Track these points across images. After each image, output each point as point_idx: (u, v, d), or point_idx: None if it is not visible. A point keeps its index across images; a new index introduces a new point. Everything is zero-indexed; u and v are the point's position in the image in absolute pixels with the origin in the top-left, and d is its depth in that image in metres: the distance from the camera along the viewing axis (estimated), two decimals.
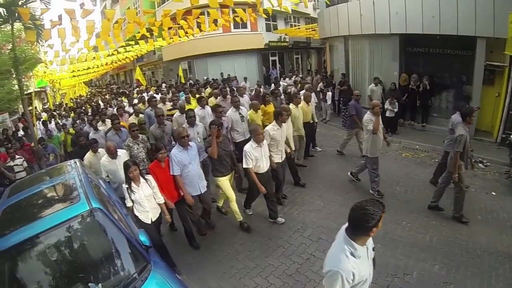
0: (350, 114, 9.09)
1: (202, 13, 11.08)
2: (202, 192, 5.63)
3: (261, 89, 12.02)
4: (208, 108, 8.26)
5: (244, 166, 5.60)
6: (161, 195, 4.99)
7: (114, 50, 16.78)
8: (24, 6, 8.42)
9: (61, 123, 12.22)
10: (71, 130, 10.27)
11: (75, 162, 5.29)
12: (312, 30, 23.12)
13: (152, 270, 3.45)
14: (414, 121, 11.94)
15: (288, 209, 6.72)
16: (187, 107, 8.73)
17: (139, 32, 11.35)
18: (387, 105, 10.46)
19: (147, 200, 4.77)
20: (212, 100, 9.94)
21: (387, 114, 10.47)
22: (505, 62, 9.26)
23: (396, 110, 10.43)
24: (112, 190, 5.66)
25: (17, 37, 10.60)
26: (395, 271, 4.69)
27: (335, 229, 4.93)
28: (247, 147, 5.57)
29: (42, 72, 19.15)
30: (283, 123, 6.43)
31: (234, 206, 5.93)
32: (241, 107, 7.81)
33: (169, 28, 11.87)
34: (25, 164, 7.95)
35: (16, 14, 8.40)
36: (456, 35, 9.78)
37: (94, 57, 15.57)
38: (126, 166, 4.67)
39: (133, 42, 15.83)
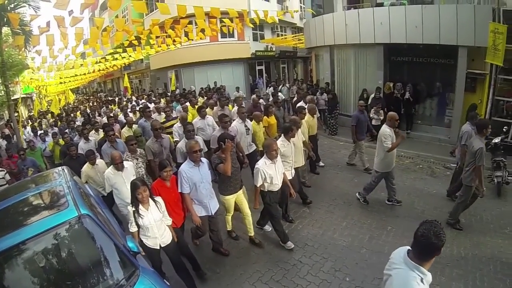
0: (351, 125, 8.70)
1: (190, 23, 11.12)
2: (213, 213, 5.08)
3: (260, 99, 11.48)
4: (208, 119, 7.95)
5: (255, 183, 5.14)
6: (169, 216, 4.45)
7: (101, 58, 16.69)
8: (13, 11, 8.35)
9: (49, 132, 11.20)
10: (61, 141, 9.28)
11: (63, 169, 5.19)
12: (298, 40, 23.39)
13: (140, 276, 3.44)
14: (398, 128, 12.03)
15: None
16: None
17: (127, 40, 11.32)
18: (372, 114, 10.62)
19: (156, 226, 4.17)
20: (208, 111, 9.23)
21: (373, 122, 10.63)
22: (486, 70, 9.58)
23: (381, 118, 10.60)
24: (99, 197, 5.62)
25: (4, 41, 10.43)
26: (381, 275, 4.69)
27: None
28: (260, 165, 5.09)
29: (28, 78, 18.88)
30: (292, 138, 6.03)
31: (228, 218, 5.68)
32: (247, 119, 7.46)
33: (157, 37, 11.91)
34: (8, 177, 7.33)
35: (5, 19, 8.32)
36: (439, 44, 10.08)
37: (81, 64, 15.47)
38: (134, 186, 4.04)
39: (121, 50, 15.79)
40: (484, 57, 9.02)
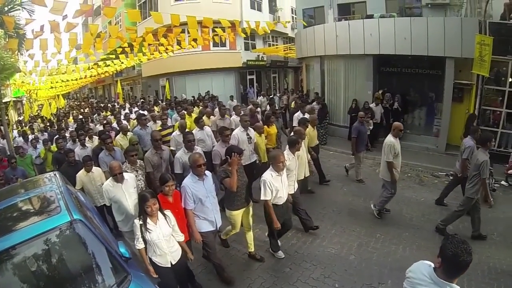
0: (352, 137, 8.58)
1: (182, 31, 11.20)
2: (219, 227, 4.81)
3: (258, 109, 10.97)
4: (207, 130, 7.69)
5: (262, 198, 4.84)
6: (180, 232, 4.14)
7: (94, 64, 16.64)
8: (7, 14, 8.32)
9: (40, 138, 10.64)
10: (53, 147, 8.77)
11: (55, 174, 5.13)
12: (289, 50, 23.59)
13: (132, 281, 3.42)
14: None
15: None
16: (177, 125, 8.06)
17: (120, 46, 11.31)
18: None
19: (165, 241, 3.86)
20: (206, 120, 8.88)
21: None
22: (473, 80, 9.88)
23: (371, 128, 10.69)
24: (90, 203, 5.54)
25: None
26: (370, 281, 4.80)
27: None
28: (266, 177, 4.82)
29: (20, 82, 18.69)
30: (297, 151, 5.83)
31: (229, 231, 5.39)
32: (249, 128, 7.20)
33: (149, 45, 11.96)
34: None
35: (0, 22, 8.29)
36: (427, 56, 10.37)
37: (74, 70, 15.41)
38: (143, 198, 3.76)
39: (113, 56, 15.77)
40: (470, 68, 9.29)
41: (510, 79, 9.33)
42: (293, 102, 14.29)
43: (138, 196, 3.96)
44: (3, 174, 7.32)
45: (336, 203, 7.47)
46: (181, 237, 4.12)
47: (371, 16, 12.46)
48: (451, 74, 10.20)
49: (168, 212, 3.96)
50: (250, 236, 5.35)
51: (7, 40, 9.83)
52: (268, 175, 4.83)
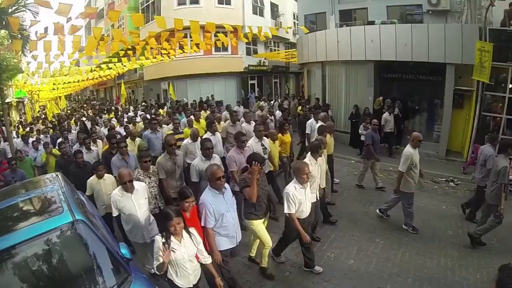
0: (366, 144, 8.42)
1: (185, 36, 11.27)
2: (237, 243, 4.40)
3: (267, 115, 10.45)
4: (218, 135, 7.42)
5: (286, 211, 4.59)
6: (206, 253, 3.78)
7: (96, 67, 16.68)
8: (13, 15, 8.37)
9: (42, 140, 10.28)
10: (55, 151, 8.39)
11: (57, 175, 5.09)
12: (291, 55, 23.67)
13: (133, 282, 3.42)
14: (388, 144, 12.19)
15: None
16: (187, 131, 7.88)
17: (123, 49, 11.35)
18: (361, 130, 10.74)
19: (189, 261, 3.51)
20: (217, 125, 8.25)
21: (362, 138, 10.76)
22: (473, 86, 9.93)
23: None
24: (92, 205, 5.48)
25: (0, 44, 10.36)
26: (369, 285, 4.80)
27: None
28: (290, 189, 4.56)
29: (22, 83, 18.69)
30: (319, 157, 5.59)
31: (266, 252, 4.99)
32: (264, 137, 6.78)
33: (152, 48, 12.01)
34: None
35: (4, 22, 8.31)
36: (427, 62, 10.44)
37: (76, 72, 15.44)
38: (167, 216, 3.36)
39: (116, 59, 15.82)
40: (471, 74, 9.35)
41: (510, 85, 9.36)
42: (298, 108, 14.29)
43: (164, 215, 3.47)
44: (4, 177, 7.22)
45: (336, 207, 7.45)
46: (209, 259, 3.76)
47: (372, 23, 12.56)
48: (451, 80, 10.26)
49: (193, 230, 3.62)
50: (256, 242, 5.24)
51: (11, 41, 9.88)
52: (292, 188, 4.58)
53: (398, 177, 6.22)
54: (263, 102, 16.96)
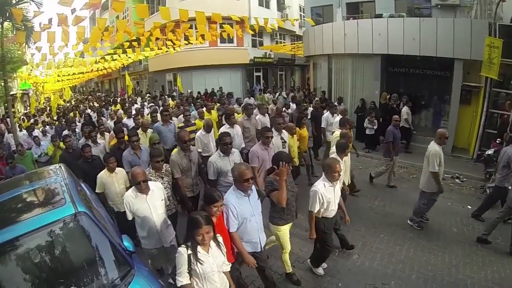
0: (386, 141, 8.06)
1: (190, 27, 11.18)
2: (262, 247, 4.01)
3: (283, 108, 10.18)
4: (237, 128, 7.02)
5: (311, 209, 4.35)
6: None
7: (101, 58, 16.66)
8: (16, 7, 8.34)
9: (48, 132, 10.25)
10: (61, 144, 7.88)
11: (60, 167, 5.07)
12: (297, 47, 23.52)
13: (135, 275, 3.41)
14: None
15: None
16: (199, 123, 7.63)
17: (127, 41, 11.30)
18: (366, 123, 10.71)
19: (218, 273, 3.09)
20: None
21: (367, 131, 10.72)
22: (481, 82, 9.80)
23: (375, 127, 10.64)
24: (95, 197, 5.43)
25: (4, 36, 10.33)
26: (373, 281, 4.79)
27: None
28: (319, 187, 4.28)
29: (26, 74, 18.72)
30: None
31: (287, 256, 4.71)
32: (283, 130, 6.52)
33: (157, 39, 11.96)
34: None
35: (7, 14, 8.28)
36: (435, 57, 10.31)
37: (80, 63, 15.42)
38: (196, 224, 2.87)
39: (120, 51, 15.76)
40: (479, 70, 9.21)
41: None
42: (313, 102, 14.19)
43: (190, 221, 2.97)
44: (4, 172, 7.06)
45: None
46: (228, 267, 3.34)
47: (380, 16, 12.43)
48: (459, 76, 10.14)
49: (220, 239, 3.21)
50: (286, 256, 4.78)
51: (15, 32, 9.85)
52: (321, 185, 4.31)
53: (435, 178, 5.78)
54: (268, 94, 16.85)
